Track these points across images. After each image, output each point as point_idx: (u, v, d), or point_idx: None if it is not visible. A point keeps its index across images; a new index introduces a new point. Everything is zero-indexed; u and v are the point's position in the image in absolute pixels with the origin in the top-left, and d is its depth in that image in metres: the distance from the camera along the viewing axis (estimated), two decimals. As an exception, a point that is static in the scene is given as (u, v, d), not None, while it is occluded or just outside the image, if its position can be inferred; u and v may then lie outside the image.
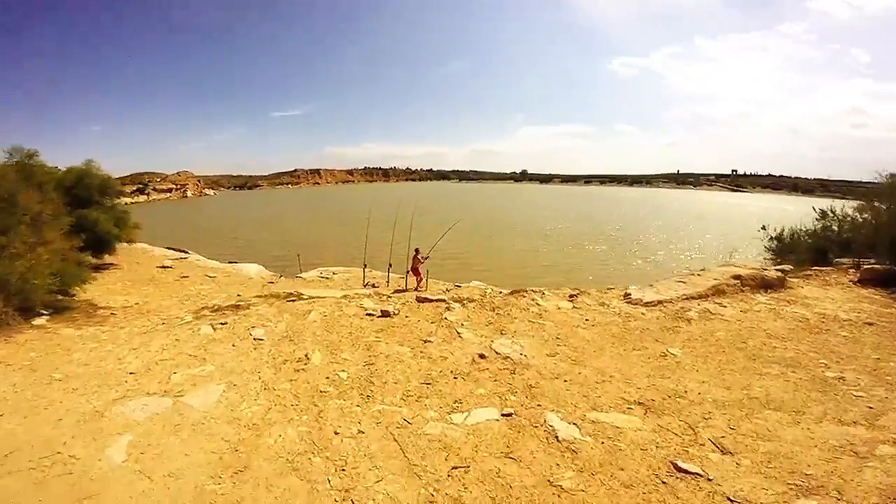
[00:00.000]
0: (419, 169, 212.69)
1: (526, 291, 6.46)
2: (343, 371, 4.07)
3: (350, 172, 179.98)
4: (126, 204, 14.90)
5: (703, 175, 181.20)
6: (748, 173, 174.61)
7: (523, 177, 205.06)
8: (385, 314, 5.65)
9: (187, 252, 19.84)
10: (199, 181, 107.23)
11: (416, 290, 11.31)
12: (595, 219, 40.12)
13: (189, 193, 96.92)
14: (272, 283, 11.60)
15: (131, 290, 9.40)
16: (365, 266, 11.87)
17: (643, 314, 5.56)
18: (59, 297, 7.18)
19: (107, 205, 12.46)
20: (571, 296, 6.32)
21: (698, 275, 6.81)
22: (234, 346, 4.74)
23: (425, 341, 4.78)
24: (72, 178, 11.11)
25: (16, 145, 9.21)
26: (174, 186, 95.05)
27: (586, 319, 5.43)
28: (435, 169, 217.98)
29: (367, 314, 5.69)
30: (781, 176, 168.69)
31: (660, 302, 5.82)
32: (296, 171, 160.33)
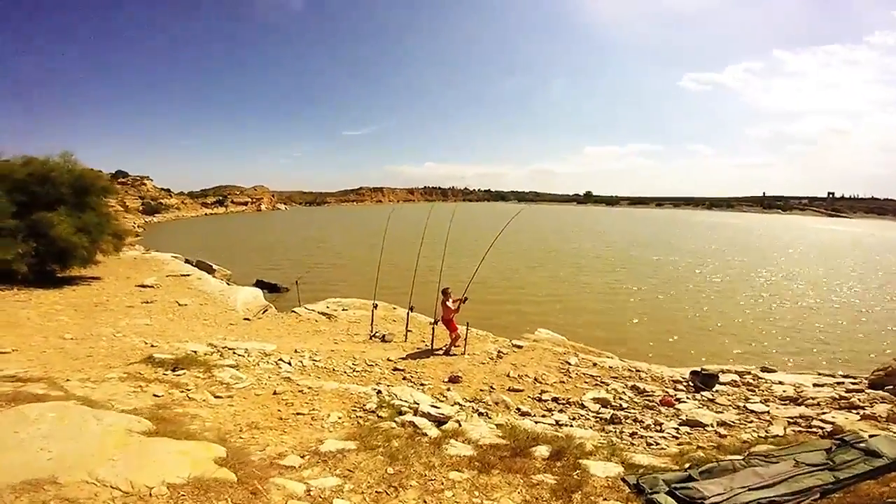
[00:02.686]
0: (476, 189, 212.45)
1: None
2: None
3: (410, 191, 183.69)
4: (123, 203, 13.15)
5: (793, 198, 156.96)
6: (846, 196, 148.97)
7: (587, 198, 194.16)
8: None
9: (213, 266, 18.25)
10: (272, 196, 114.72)
11: (448, 351, 7.50)
12: (703, 253, 33.36)
13: (263, 207, 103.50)
14: (248, 319, 8.58)
15: (41, 321, 6.80)
16: (375, 306, 8.40)
17: None
18: None
19: (90, 205, 10.51)
20: None
21: None
22: None
23: None
24: (30, 173, 9.07)
25: None
26: (250, 200, 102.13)
27: None
28: (493, 189, 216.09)
29: None
30: (887, 199, 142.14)
31: None
32: (360, 188, 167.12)
